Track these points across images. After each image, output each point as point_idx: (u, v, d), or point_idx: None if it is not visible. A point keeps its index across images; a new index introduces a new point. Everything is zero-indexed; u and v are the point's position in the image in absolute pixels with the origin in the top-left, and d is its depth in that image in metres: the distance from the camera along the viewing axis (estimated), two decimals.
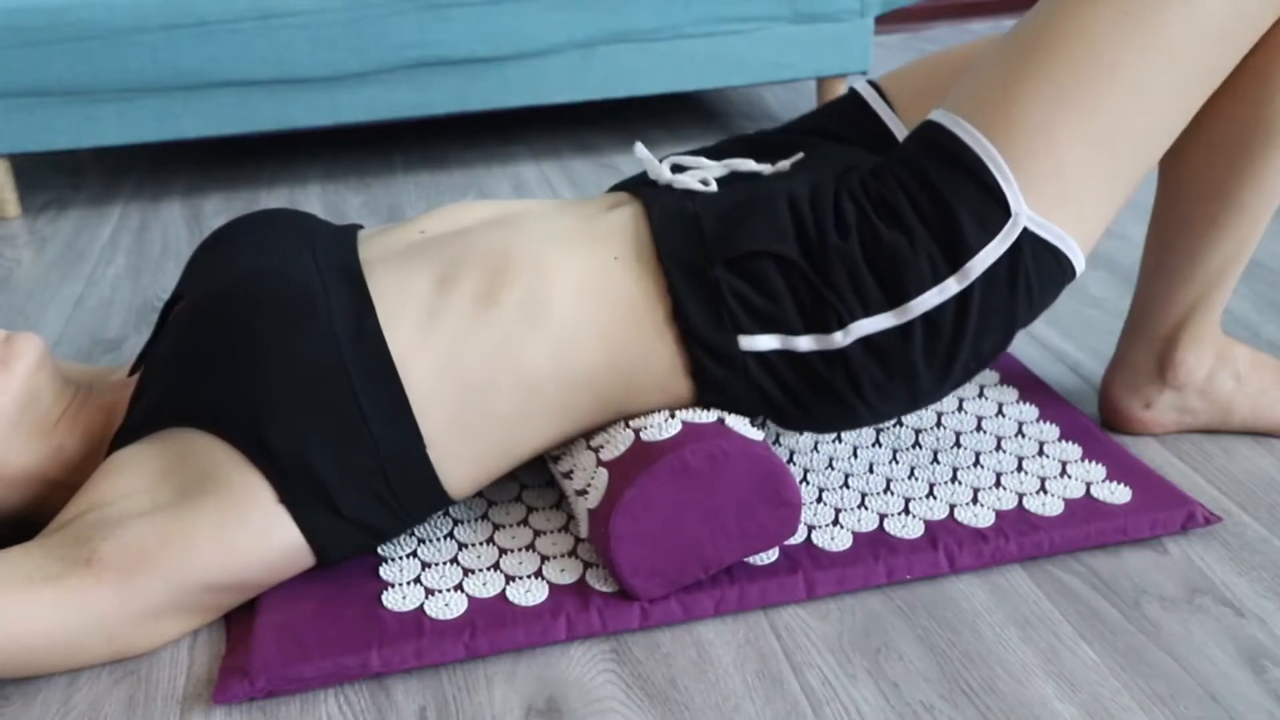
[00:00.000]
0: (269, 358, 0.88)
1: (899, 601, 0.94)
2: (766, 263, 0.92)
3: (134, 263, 1.73)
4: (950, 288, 0.92)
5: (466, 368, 0.90)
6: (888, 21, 3.02)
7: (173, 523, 0.86)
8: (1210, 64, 0.92)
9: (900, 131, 1.11)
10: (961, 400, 1.19)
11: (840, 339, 0.92)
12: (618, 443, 0.94)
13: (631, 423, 0.96)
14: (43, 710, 0.85)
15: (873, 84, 1.15)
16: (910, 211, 0.92)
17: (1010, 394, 1.20)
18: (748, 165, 1.05)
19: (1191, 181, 1.04)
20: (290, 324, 0.89)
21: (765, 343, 0.92)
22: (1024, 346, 1.35)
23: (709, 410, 0.96)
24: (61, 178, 2.16)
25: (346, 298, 0.92)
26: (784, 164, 1.05)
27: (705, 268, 0.92)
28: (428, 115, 1.99)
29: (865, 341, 0.92)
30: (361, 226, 1.08)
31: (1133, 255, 1.60)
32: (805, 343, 0.93)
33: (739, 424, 0.95)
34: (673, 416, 0.94)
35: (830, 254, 0.92)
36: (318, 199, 1.97)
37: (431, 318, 0.91)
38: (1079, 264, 0.95)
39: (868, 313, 0.92)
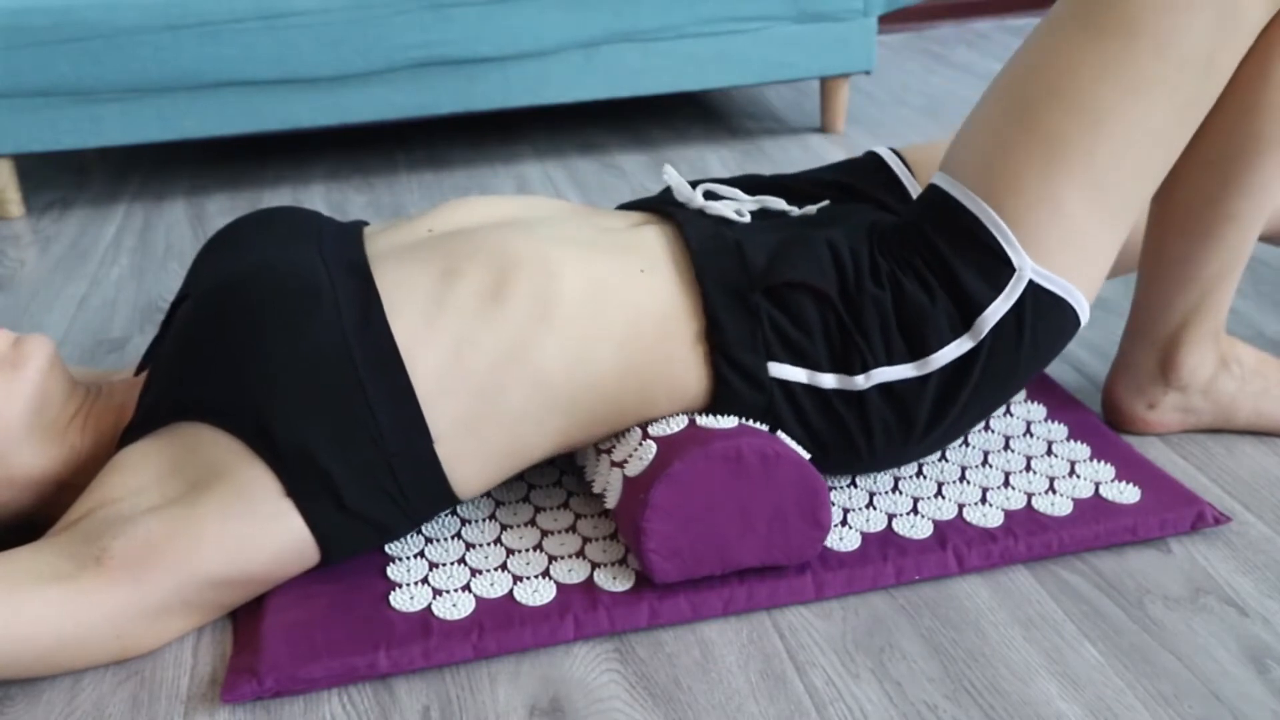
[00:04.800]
0: (273, 348, 0.88)
1: (902, 601, 0.94)
2: (805, 298, 0.96)
3: (138, 263, 1.73)
4: (965, 344, 0.96)
5: (475, 363, 0.90)
6: (891, 21, 3.02)
7: (181, 517, 0.86)
8: (1196, 93, 0.94)
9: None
10: None
11: (861, 382, 0.97)
12: (670, 423, 0.96)
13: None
14: (47, 710, 0.85)
15: (894, 151, 1.19)
16: (926, 271, 0.98)
17: (1019, 393, 1.20)
18: (778, 204, 1.10)
19: (1184, 193, 1.04)
20: (296, 314, 0.90)
21: (792, 374, 0.96)
22: None
23: (760, 422, 0.98)
24: (65, 178, 2.16)
25: (353, 290, 0.92)
26: (810, 208, 1.10)
27: (747, 293, 0.96)
28: (431, 115, 1.99)
29: (883, 387, 0.97)
30: (367, 223, 1.08)
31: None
32: (829, 380, 0.97)
33: (790, 439, 0.97)
34: (727, 415, 0.96)
35: (866, 300, 0.97)
36: (321, 198, 1.98)
37: (437, 310, 0.91)
38: (1084, 313, 0.99)
39: (890, 361, 0.96)
